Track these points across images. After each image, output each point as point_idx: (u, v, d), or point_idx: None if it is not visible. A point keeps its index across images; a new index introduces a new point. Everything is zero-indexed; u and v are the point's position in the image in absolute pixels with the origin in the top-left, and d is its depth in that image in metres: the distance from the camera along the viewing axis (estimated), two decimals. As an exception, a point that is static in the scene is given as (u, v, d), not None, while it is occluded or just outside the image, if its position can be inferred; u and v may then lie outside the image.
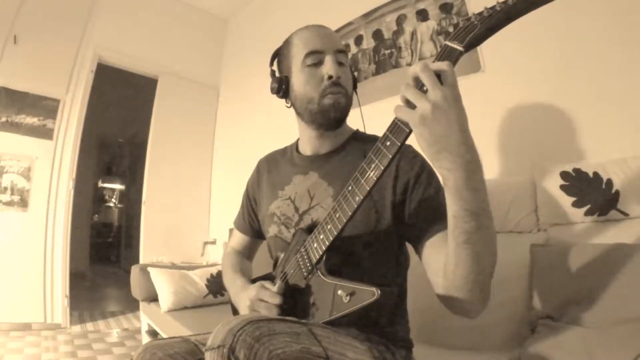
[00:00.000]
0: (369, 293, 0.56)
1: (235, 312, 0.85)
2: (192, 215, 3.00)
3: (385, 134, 0.54)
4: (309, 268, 0.65)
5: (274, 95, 0.81)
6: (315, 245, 0.64)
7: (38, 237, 2.40)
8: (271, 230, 0.80)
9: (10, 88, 2.35)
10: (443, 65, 0.47)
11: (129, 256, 5.05)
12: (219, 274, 2.00)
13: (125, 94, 4.25)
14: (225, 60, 3.26)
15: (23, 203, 2.37)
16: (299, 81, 0.75)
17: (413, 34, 1.69)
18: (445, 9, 1.57)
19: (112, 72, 2.88)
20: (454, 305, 0.57)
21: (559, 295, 0.92)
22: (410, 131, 0.50)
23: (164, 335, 1.70)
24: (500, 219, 1.14)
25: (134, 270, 2.05)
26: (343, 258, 0.68)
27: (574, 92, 1.21)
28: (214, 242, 2.88)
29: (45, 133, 2.45)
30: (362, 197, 0.56)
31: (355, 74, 0.81)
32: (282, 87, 0.78)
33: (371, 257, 0.70)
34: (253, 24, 2.99)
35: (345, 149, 0.79)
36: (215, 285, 1.95)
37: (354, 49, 1.95)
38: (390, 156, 0.53)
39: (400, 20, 1.75)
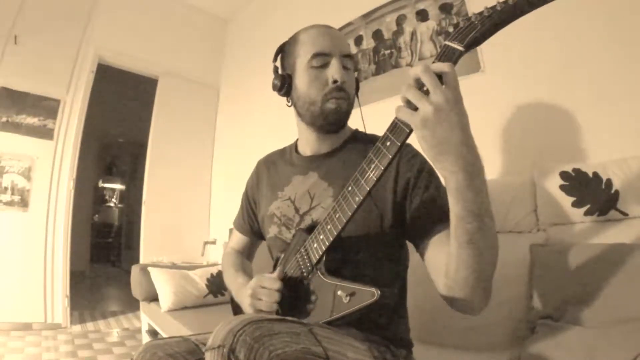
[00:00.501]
0: (369, 294, 0.56)
1: (235, 311, 0.85)
2: (192, 215, 3.01)
3: (385, 134, 0.54)
4: (309, 268, 0.66)
5: (275, 95, 0.80)
6: (315, 245, 0.64)
7: (38, 237, 2.40)
8: (271, 231, 0.80)
9: (11, 88, 2.36)
10: (444, 67, 0.47)
11: (129, 256, 5.06)
12: (219, 273, 2.00)
13: (125, 94, 4.25)
14: (225, 60, 3.26)
15: (23, 203, 2.37)
16: (302, 81, 0.74)
17: (413, 34, 1.69)
18: (445, 9, 1.57)
19: (113, 72, 2.88)
20: (457, 303, 0.58)
21: (558, 295, 0.92)
22: (411, 131, 0.50)
23: (164, 335, 1.71)
24: (500, 219, 1.14)
25: (134, 270, 2.05)
26: (343, 258, 0.68)
27: (573, 92, 1.21)
28: (214, 242, 2.89)
29: (45, 133, 2.45)
30: (361, 198, 0.56)
31: (356, 74, 0.81)
32: (284, 85, 0.77)
33: (371, 258, 0.70)
34: (253, 25, 2.99)
35: (344, 148, 0.79)
36: (216, 285, 1.96)
37: (354, 49, 1.95)
38: (390, 156, 0.53)
39: (400, 21, 1.75)
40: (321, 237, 0.63)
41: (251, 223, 0.94)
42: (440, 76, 0.47)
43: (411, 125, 0.48)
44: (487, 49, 1.38)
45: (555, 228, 1.08)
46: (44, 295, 2.38)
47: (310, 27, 0.78)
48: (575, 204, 1.02)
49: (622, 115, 1.11)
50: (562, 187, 1.05)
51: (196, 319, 1.64)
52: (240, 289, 0.79)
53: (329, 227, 0.62)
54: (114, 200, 6.81)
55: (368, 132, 0.83)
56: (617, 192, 0.96)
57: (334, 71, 0.72)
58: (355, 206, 0.57)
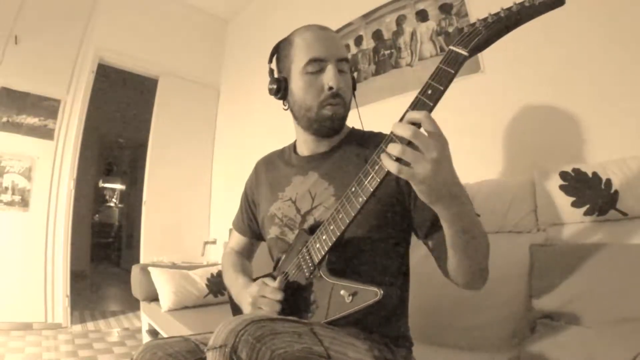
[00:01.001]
0: (371, 293, 0.56)
1: (235, 311, 0.85)
2: (192, 215, 3.01)
3: (389, 136, 0.54)
4: (311, 268, 0.66)
5: (275, 98, 0.80)
6: (317, 245, 0.65)
7: (39, 237, 2.41)
8: (272, 232, 0.80)
9: (11, 88, 2.36)
10: (418, 116, 0.48)
11: (129, 256, 5.05)
12: (219, 273, 2.00)
13: (125, 94, 4.25)
14: (225, 60, 3.27)
15: (24, 203, 2.37)
16: (298, 87, 0.74)
17: (413, 34, 1.69)
18: (445, 9, 1.57)
19: (113, 72, 2.89)
20: (461, 285, 0.66)
21: (558, 295, 0.92)
22: None
23: (165, 335, 1.71)
24: (499, 219, 1.15)
25: (135, 270, 2.05)
26: (345, 258, 0.68)
27: (573, 92, 1.21)
28: (214, 242, 2.89)
29: (46, 133, 2.45)
30: (365, 199, 0.57)
31: (355, 74, 0.81)
32: (280, 90, 0.77)
33: (373, 258, 0.70)
34: (253, 25, 2.99)
35: (342, 147, 0.79)
36: (216, 285, 1.96)
37: (353, 50, 1.95)
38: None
39: (400, 21, 1.75)
40: (324, 237, 0.63)
41: (250, 224, 0.94)
42: (418, 123, 0.49)
43: (409, 181, 0.50)
44: (487, 50, 1.37)
45: (554, 228, 1.08)
46: (45, 295, 2.38)
47: (304, 29, 0.77)
48: (574, 204, 1.03)
49: (622, 115, 1.11)
50: (561, 187, 1.05)
51: (196, 318, 1.65)
52: (241, 291, 0.79)
53: (331, 227, 0.62)
54: (114, 200, 6.82)
55: (365, 130, 0.83)
56: (616, 192, 0.96)
57: (329, 78, 0.71)
58: (359, 207, 0.58)
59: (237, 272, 0.87)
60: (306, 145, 0.82)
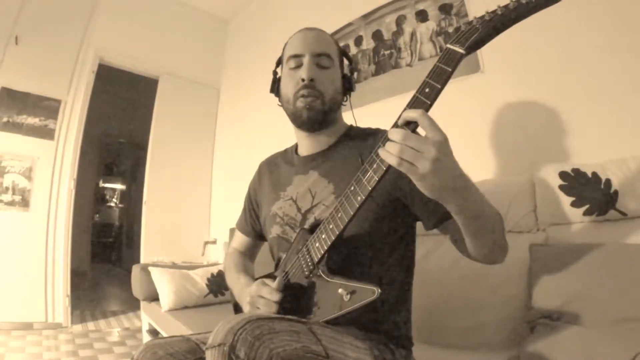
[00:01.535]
0: (369, 291, 0.57)
1: (237, 311, 0.86)
2: (192, 215, 3.01)
3: (385, 135, 0.55)
4: (310, 267, 0.66)
5: (274, 96, 0.84)
6: (317, 244, 0.65)
7: (39, 236, 2.41)
8: (273, 231, 0.81)
9: (12, 88, 2.36)
10: (413, 114, 0.49)
11: (129, 256, 5.06)
12: (220, 273, 2.00)
13: (126, 94, 4.26)
14: (225, 60, 3.27)
15: (24, 203, 2.37)
16: (283, 83, 0.80)
17: (412, 34, 1.69)
18: (445, 9, 1.57)
19: (113, 72, 2.89)
20: (483, 263, 0.66)
21: (558, 295, 0.92)
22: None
23: (165, 335, 1.71)
24: (499, 219, 1.15)
25: (135, 270, 2.06)
26: (345, 257, 0.68)
27: (573, 92, 1.21)
28: (214, 242, 2.89)
29: (46, 133, 2.46)
30: (364, 197, 0.57)
31: (355, 74, 0.81)
32: (274, 88, 0.83)
33: (372, 255, 0.70)
34: (253, 25, 2.99)
35: (340, 145, 0.80)
36: (216, 284, 1.96)
37: (353, 50, 1.96)
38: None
39: (399, 21, 1.75)
40: (323, 236, 0.64)
41: (253, 224, 0.94)
42: (414, 122, 0.49)
43: (411, 177, 0.50)
44: (486, 50, 1.37)
45: (554, 228, 1.09)
46: (45, 294, 2.38)
47: (295, 32, 0.82)
48: (574, 204, 1.03)
49: (621, 115, 1.11)
50: (561, 187, 1.05)
51: (196, 318, 1.65)
52: (242, 290, 0.79)
53: (331, 226, 0.62)
54: (114, 200, 6.82)
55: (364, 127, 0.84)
56: (616, 192, 0.97)
57: (302, 70, 0.75)
58: (358, 205, 0.58)
59: (239, 272, 0.88)
60: (304, 144, 0.83)
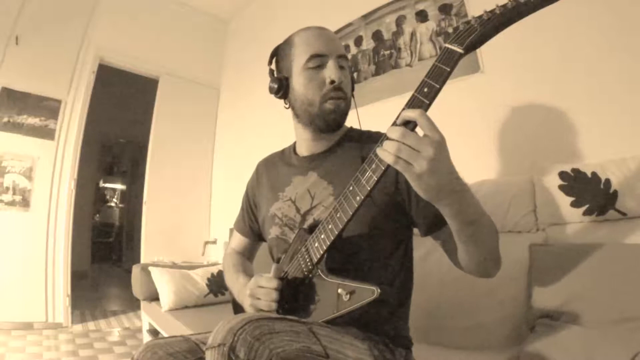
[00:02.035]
0: (368, 291, 0.57)
1: (237, 311, 0.86)
2: (192, 215, 3.01)
3: (384, 135, 0.55)
4: (310, 267, 0.66)
5: (273, 96, 0.81)
6: (316, 244, 0.65)
7: (40, 236, 2.41)
8: (272, 232, 0.81)
9: (12, 89, 2.36)
10: (412, 114, 0.49)
11: (130, 256, 5.06)
12: (220, 273, 2.00)
13: (126, 94, 4.25)
14: (225, 61, 3.27)
15: (25, 203, 2.38)
16: (299, 83, 0.75)
17: (412, 34, 1.69)
18: (445, 10, 1.57)
19: (114, 72, 2.89)
20: (475, 275, 0.66)
21: (557, 295, 0.92)
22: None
23: (165, 334, 1.71)
24: (499, 219, 1.15)
25: (135, 270, 2.06)
26: (344, 257, 0.68)
27: (572, 92, 1.21)
28: (214, 242, 2.89)
29: (46, 133, 2.46)
30: (362, 197, 0.57)
31: (355, 74, 0.81)
32: (281, 88, 0.77)
33: (371, 255, 0.70)
34: (253, 25, 2.99)
35: (341, 146, 0.79)
36: (216, 284, 1.96)
37: (353, 50, 1.96)
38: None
39: (399, 21, 1.75)
40: (322, 236, 0.64)
41: (252, 224, 0.94)
42: (413, 122, 0.49)
43: (407, 177, 0.50)
44: (486, 50, 1.37)
45: (554, 228, 1.09)
46: (45, 294, 2.38)
47: (304, 29, 0.78)
48: (574, 204, 1.03)
49: (621, 115, 1.11)
50: (561, 187, 1.05)
51: (197, 318, 1.65)
52: (242, 290, 0.79)
53: (330, 226, 0.62)
54: (114, 200, 6.82)
55: (363, 129, 0.83)
56: (615, 192, 0.97)
57: (331, 72, 0.72)
58: (357, 205, 0.58)
59: (238, 272, 0.88)
60: (305, 145, 0.82)
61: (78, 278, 3.22)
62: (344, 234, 0.63)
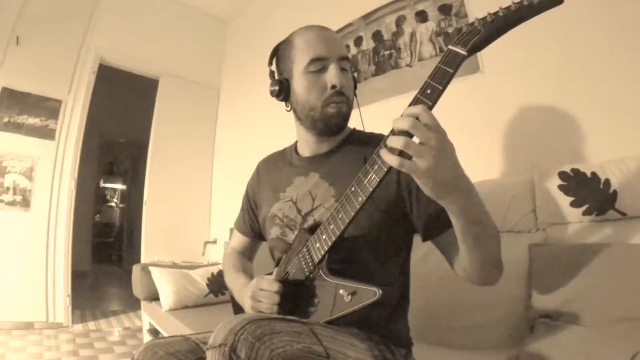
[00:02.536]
0: (370, 293, 0.57)
1: (237, 311, 0.86)
2: (193, 215, 3.01)
3: (388, 134, 0.55)
4: (311, 268, 0.66)
5: (276, 99, 0.80)
6: (317, 245, 0.65)
7: (40, 236, 2.41)
8: (273, 232, 0.81)
9: (13, 89, 2.37)
10: (416, 110, 0.48)
11: (130, 256, 5.07)
12: (220, 273, 2.00)
13: (126, 94, 4.27)
14: (226, 61, 3.27)
15: (25, 203, 2.38)
16: (300, 87, 0.74)
17: (412, 35, 1.69)
18: (444, 10, 1.58)
19: (114, 73, 2.89)
20: (477, 284, 0.65)
21: (557, 295, 0.92)
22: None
23: (165, 334, 1.71)
24: (499, 219, 1.15)
25: (136, 270, 2.06)
26: (345, 258, 0.68)
27: (572, 92, 1.22)
28: (214, 242, 2.90)
29: (47, 133, 2.46)
30: (364, 198, 0.57)
31: (355, 74, 0.81)
32: (282, 91, 0.77)
33: (373, 257, 0.70)
34: (254, 25, 3.00)
35: (343, 148, 0.79)
36: (216, 284, 1.96)
37: (353, 50, 1.96)
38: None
39: (399, 22, 1.76)
40: (323, 237, 0.63)
41: (252, 224, 0.94)
42: (417, 117, 0.48)
43: (413, 176, 0.49)
44: (486, 50, 1.36)
45: (553, 228, 1.09)
46: (46, 294, 2.39)
47: (304, 29, 0.77)
48: (573, 204, 1.03)
49: (621, 115, 1.11)
50: (560, 187, 1.05)
51: (197, 318, 1.65)
52: (242, 290, 0.79)
53: (331, 227, 0.62)
54: (115, 200, 6.83)
55: (366, 131, 0.83)
56: (615, 192, 0.97)
57: (332, 76, 0.71)
58: (358, 207, 0.58)
59: (238, 272, 0.88)
60: (307, 146, 0.81)
61: (78, 278, 3.22)
62: (345, 235, 0.62)
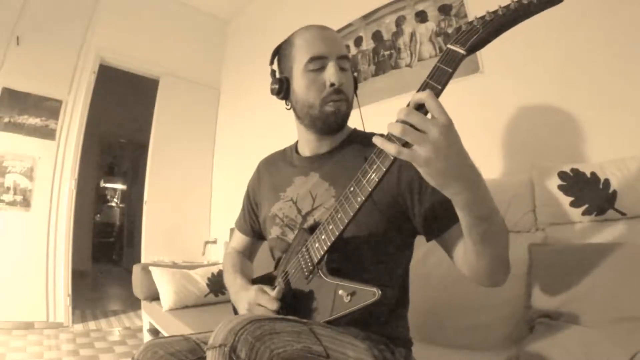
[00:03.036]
0: (370, 293, 0.56)
1: (237, 311, 0.86)
2: (193, 215, 3.02)
3: (387, 134, 0.55)
4: (310, 268, 0.66)
5: (276, 97, 0.80)
6: (317, 245, 0.65)
7: (41, 236, 2.42)
8: (273, 232, 0.81)
9: (13, 89, 2.37)
10: (422, 96, 0.47)
11: (130, 255, 5.06)
12: (220, 273, 2.01)
13: (126, 94, 4.26)
14: (226, 61, 3.27)
15: (26, 203, 2.38)
16: (300, 85, 0.74)
17: (412, 35, 1.70)
18: (444, 10, 1.58)
19: (114, 73, 2.89)
20: (483, 284, 0.63)
21: (557, 294, 0.93)
22: None
23: (165, 334, 1.72)
24: (499, 219, 1.15)
25: (136, 270, 2.06)
26: (344, 258, 0.68)
27: (572, 92, 1.22)
28: (214, 242, 2.90)
29: (47, 133, 2.46)
30: (363, 198, 0.56)
31: (355, 74, 0.80)
32: (282, 89, 0.77)
33: (373, 257, 0.70)
34: (254, 25, 3.00)
35: (344, 148, 0.79)
36: (216, 284, 1.97)
37: (353, 50, 1.96)
38: (393, 158, 0.53)
39: (399, 22, 1.76)
40: (323, 237, 0.63)
41: (252, 224, 0.94)
42: (423, 105, 0.48)
43: (414, 164, 0.48)
44: (486, 50, 1.36)
45: (553, 228, 1.09)
46: (46, 294, 2.39)
47: (305, 29, 0.77)
48: (573, 204, 1.03)
49: (620, 115, 1.11)
50: (560, 187, 1.05)
51: (197, 318, 1.65)
52: (239, 291, 0.79)
53: (330, 227, 0.62)
54: (115, 200, 6.84)
55: (367, 131, 0.83)
56: (615, 192, 0.97)
57: (330, 74, 0.71)
58: (357, 206, 0.57)
59: (236, 272, 0.87)
60: (308, 145, 0.81)
61: (79, 278, 3.23)
62: (344, 235, 0.62)
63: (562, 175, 1.06)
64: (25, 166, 2.39)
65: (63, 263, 2.46)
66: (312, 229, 0.69)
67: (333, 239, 0.62)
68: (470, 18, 1.56)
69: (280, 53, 0.81)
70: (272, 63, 0.82)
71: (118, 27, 2.76)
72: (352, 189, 0.59)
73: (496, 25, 0.49)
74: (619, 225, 0.98)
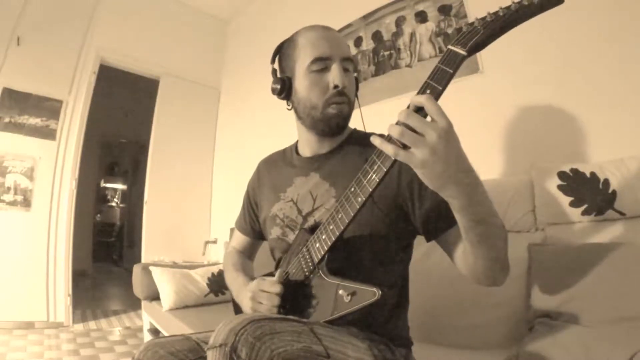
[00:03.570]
0: (370, 293, 0.57)
1: (237, 310, 0.86)
2: (193, 215, 3.02)
3: (387, 135, 0.55)
4: (311, 268, 0.66)
5: (276, 97, 0.79)
6: (317, 245, 0.65)
7: (41, 236, 2.42)
8: (273, 232, 0.81)
9: (14, 89, 2.37)
10: (421, 100, 0.47)
11: (131, 255, 5.07)
12: (220, 273, 2.01)
13: (127, 94, 4.27)
14: (226, 61, 3.27)
15: (26, 203, 2.38)
16: (302, 86, 0.74)
17: (412, 35, 1.70)
18: (444, 10, 1.58)
19: (114, 73, 2.90)
20: (482, 284, 0.63)
21: (556, 294, 0.93)
22: None
23: (166, 334, 1.72)
24: (498, 219, 1.15)
25: (136, 269, 2.06)
26: (345, 258, 0.68)
27: (571, 92, 1.22)
28: (215, 242, 2.90)
29: (48, 134, 2.46)
30: (364, 198, 0.56)
31: (355, 75, 0.80)
32: (284, 89, 0.76)
33: (373, 257, 0.70)
34: (254, 26, 3.00)
35: (344, 148, 0.79)
36: (217, 284, 1.97)
37: (353, 50, 1.96)
38: (393, 159, 0.53)
39: (399, 22, 1.76)
40: (323, 237, 0.64)
41: (252, 224, 0.94)
42: (422, 108, 0.48)
43: (411, 165, 0.49)
44: (486, 50, 1.37)
45: (553, 228, 1.09)
46: (47, 294, 2.39)
47: (308, 29, 0.77)
48: (573, 204, 1.03)
49: (620, 115, 1.11)
50: (560, 187, 1.06)
51: (197, 317, 1.65)
52: (241, 290, 0.79)
53: (331, 227, 0.62)
54: (115, 199, 6.83)
55: (367, 131, 0.83)
56: (614, 192, 0.97)
57: (334, 76, 0.71)
58: (358, 207, 0.58)
59: (237, 271, 0.88)
60: (308, 146, 0.81)
61: (79, 277, 3.23)
62: (345, 235, 0.63)
63: (561, 175, 1.06)
64: (26, 166, 2.39)
65: (63, 263, 2.46)
66: (313, 230, 0.69)
67: (334, 239, 0.62)
68: (470, 18, 1.56)
69: (282, 52, 0.80)
70: (273, 62, 0.81)
71: (118, 28, 2.76)
72: (352, 189, 0.59)
73: (497, 26, 0.49)
74: (619, 225, 0.98)
